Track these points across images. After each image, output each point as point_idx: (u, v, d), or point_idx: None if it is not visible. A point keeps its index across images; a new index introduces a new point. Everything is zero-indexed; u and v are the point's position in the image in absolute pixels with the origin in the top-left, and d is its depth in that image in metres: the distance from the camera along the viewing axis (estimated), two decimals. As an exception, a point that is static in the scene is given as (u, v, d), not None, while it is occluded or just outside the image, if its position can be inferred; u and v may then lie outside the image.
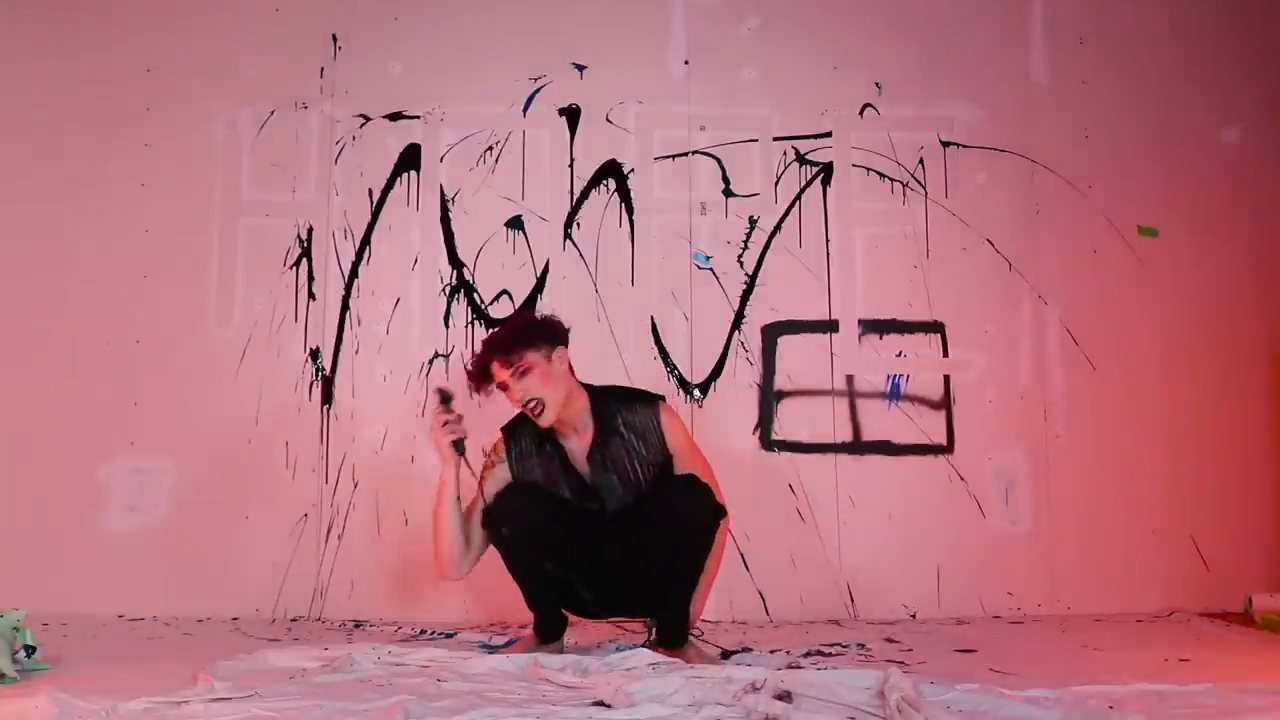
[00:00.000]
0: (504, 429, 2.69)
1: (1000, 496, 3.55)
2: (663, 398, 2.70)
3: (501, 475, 2.63)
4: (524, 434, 2.64)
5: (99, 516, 3.44)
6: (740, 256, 3.62)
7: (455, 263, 3.60)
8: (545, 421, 2.55)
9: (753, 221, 3.64)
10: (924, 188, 3.67)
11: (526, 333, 2.57)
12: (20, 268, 3.54)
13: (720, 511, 2.55)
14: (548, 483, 2.62)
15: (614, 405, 2.63)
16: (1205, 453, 3.58)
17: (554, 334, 2.59)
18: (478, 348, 2.63)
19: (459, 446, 2.54)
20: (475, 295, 3.59)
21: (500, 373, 2.53)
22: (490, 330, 2.65)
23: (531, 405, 2.54)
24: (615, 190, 3.64)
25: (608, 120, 3.66)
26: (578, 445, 2.62)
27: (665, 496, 2.53)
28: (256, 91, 3.63)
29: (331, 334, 3.55)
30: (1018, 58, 3.74)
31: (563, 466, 2.62)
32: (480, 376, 2.56)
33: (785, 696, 2.03)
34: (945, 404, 3.59)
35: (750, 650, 2.76)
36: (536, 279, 3.60)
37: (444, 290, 3.59)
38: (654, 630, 2.61)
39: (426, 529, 3.42)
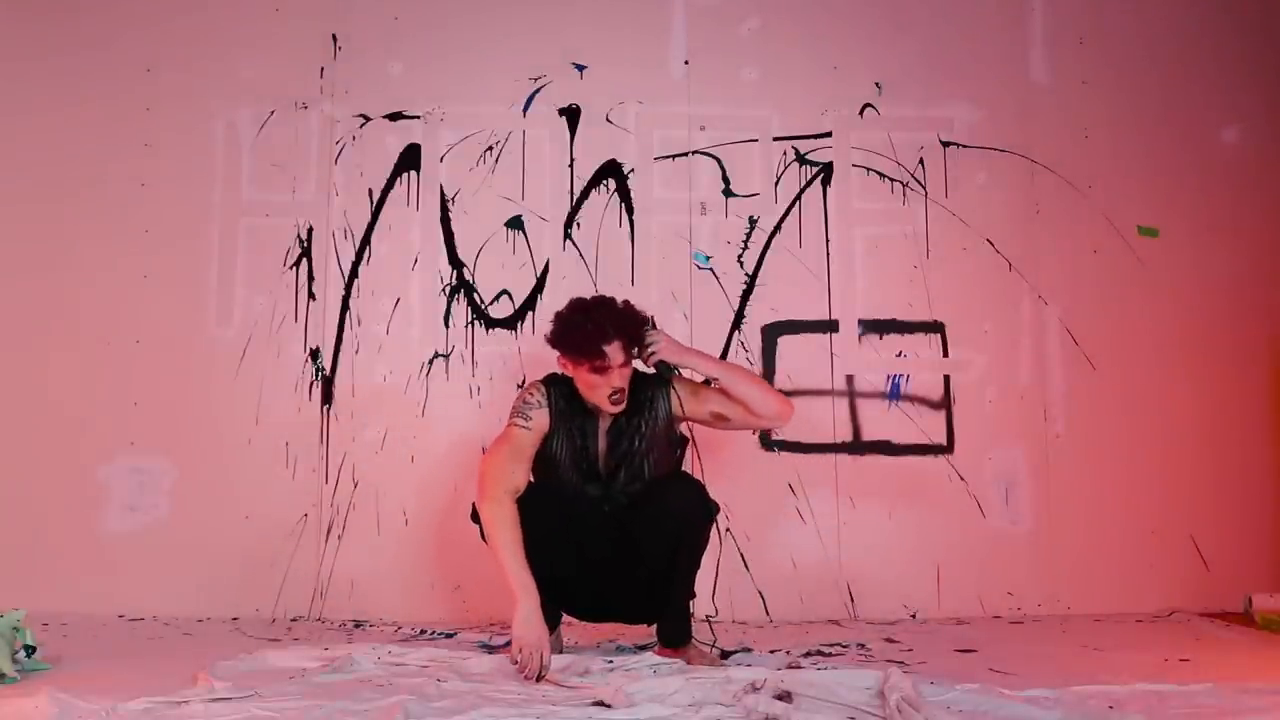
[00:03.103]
0: (544, 381, 2.67)
1: (1000, 496, 3.55)
2: (675, 373, 2.71)
3: (540, 421, 2.60)
4: (564, 395, 2.63)
5: (99, 516, 3.43)
6: (740, 256, 3.62)
7: (455, 263, 3.60)
8: (620, 409, 2.58)
9: (753, 221, 3.64)
10: (924, 188, 3.67)
11: (645, 322, 2.59)
12: (20, 268, 3.54)
13: (713, 508, 2.57)
14: (570, 451, 2.61)
15: (636, 382, 2.64)
16: (1205, 453, 3.58)
17: (650, 323, 2.63)
18: (581, 318, 2.55)
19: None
20: (475, 295, 3.59)
21: (616, 357, 2.52)
22: (593, 307, 2.57)
23: (618, 395, 2.55)
24: (615, 190, 3.64)
25: (608, 120, 3.66)
26: (605, 419, 2.64)
27: (658, 496, 2.54)
28: (256, 91, 3.63)
29: (331, 334, 3.55)
30: (1018, 58, 3.74)
31: (584, 440, 2.62)
32: (592, 353, 2.50)
33: (785, 696, 2.04)
34: (945, 404, 3.59)
35: (750, 650, 2.77)
36: (536, 279, 3.60)
37: (444, 290, 3.59)
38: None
39: (426, 528, 3.44)
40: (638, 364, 2.64)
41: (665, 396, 2.67)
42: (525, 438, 2.59)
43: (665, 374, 2.65)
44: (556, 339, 2.59)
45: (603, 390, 2.54)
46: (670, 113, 3.66)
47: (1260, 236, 3.70)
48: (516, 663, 2.33)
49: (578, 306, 2.61)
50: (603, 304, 2.59)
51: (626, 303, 2.61)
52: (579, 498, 2.61)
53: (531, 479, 2.61)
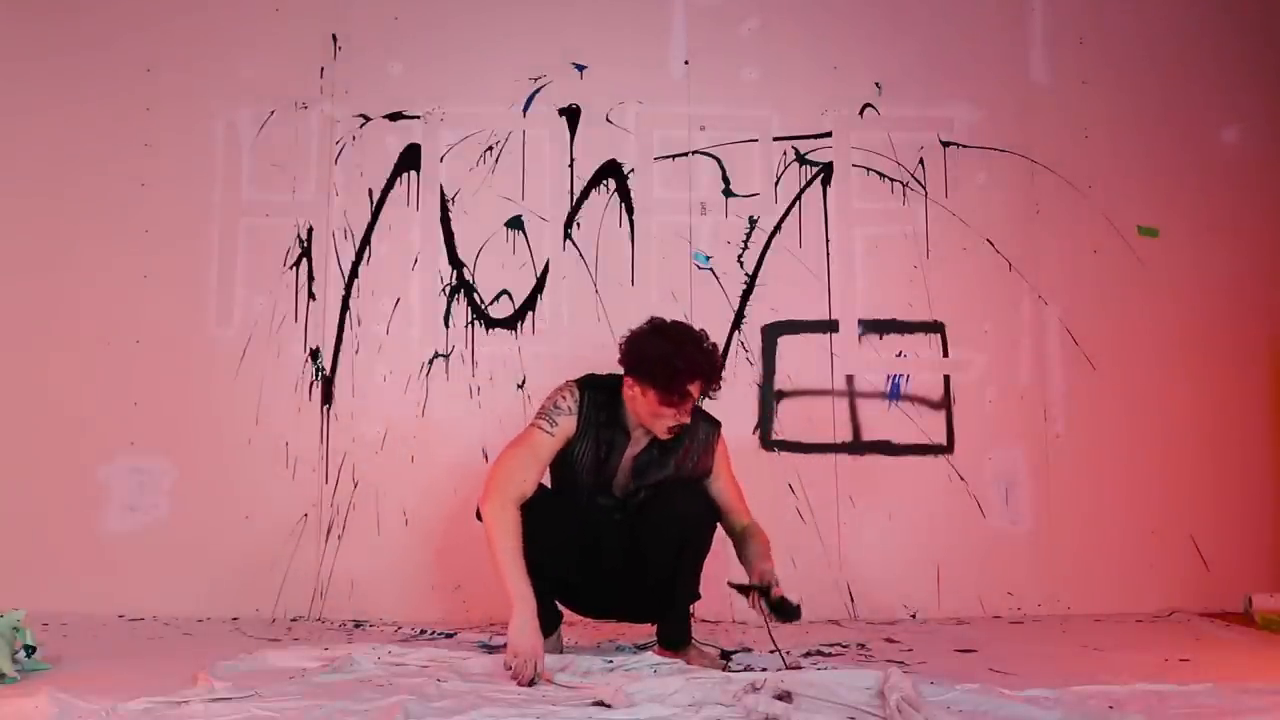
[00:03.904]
0: (580, 384, 2.60)
1: (1000, 496, 3.55)
2: (720, 424, 2.70)
3: (566, 427, 2.55)
4: (600, 403, 2.57)
5: (99, 516, 3.43)
6: (740, 256, 3.62)
7: (455, 263, 3.60)
8: (671, 436, 2.54)
9: (753, 221, 3.64)
10: (924, 188, 3.67)
11: (722, 366, 2.56)
12: (21, 267, 3.54)
13: (716, 511, 2.57)
14: (592, 461, 2.57)
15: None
16: (1205, 453, 3.59)
17: None
18: (675, 352, 2.48)
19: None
20: (475, 295, 3.59)
21: (695, 393, 2.49)
22: (687, 342, 2.50)
23: (678, 428, 2.52)
24: (615, 190, 3.64)
25: (608, 120, 3.66)
26: (637, 442, 2.60)
27: (663, 500, 2.54)
28: (256, 91, 3.63)
29: (331, 334, 3.55)
30: (1018, 58, 3.74)
31: (608, 455, 2.58)
32: (680, 392, 2.45)
33: (785, 696, 2.04)
34: (945, 404, 3.59)
35: (750, 650, 2.76)
36: (536, 279, 3.60)
37: (444, 290, 3.59)
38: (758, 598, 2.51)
39: (426, 528, 3.44)
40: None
41: (711, 450, 2.64)
42: (546, 443, 2.54)
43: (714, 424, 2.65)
44: (642, 369, 2.50)
45: (667, 422, 2.50)
46: (670, 113, 3.66)
47: (1260, 236, 3.70)
48: (510, 669, 2.30)
49: (667, 335, 2.53)
50: (689, 338, 2.51)
51: (703, 333, 2.55)
52: (591, 505, 2.60)
53: (546, 481, 2.60)
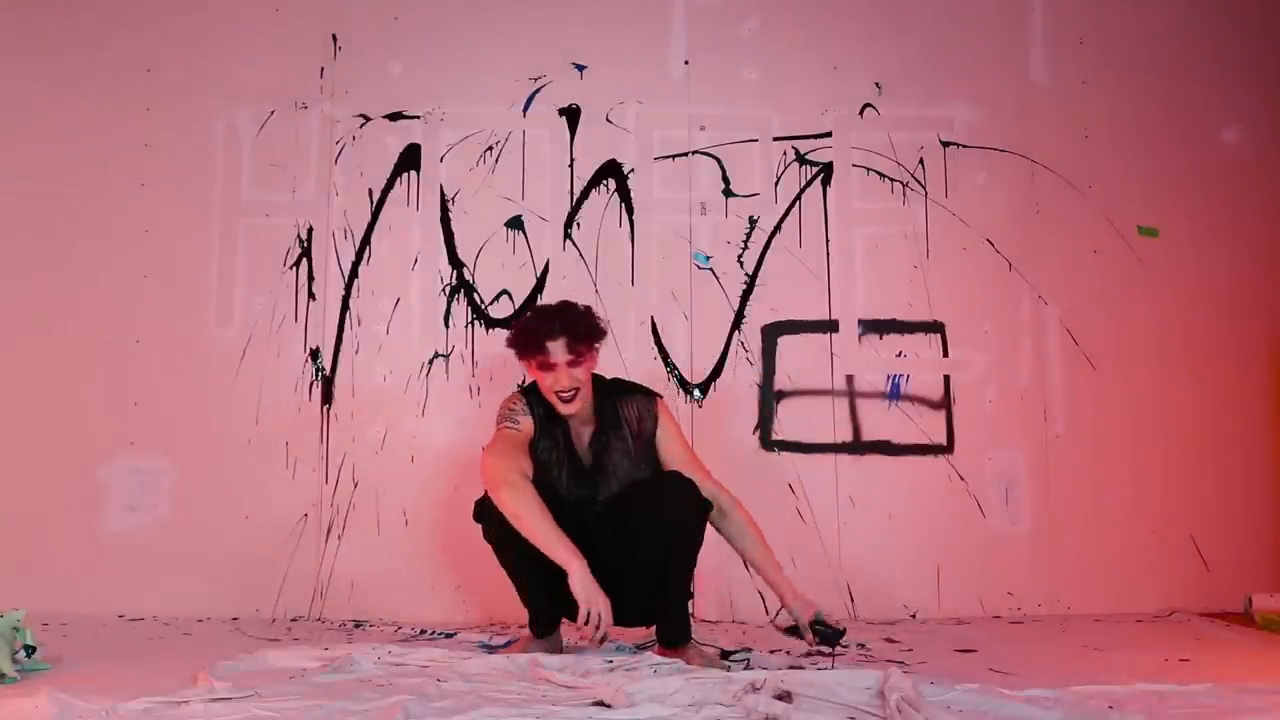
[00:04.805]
0: (521, 390, 2.72)
1: (1000, 496, 3.55)
2: (661, 395, 2.75)
3: (526, 426, 2.63)
4: (541, 402, 2.66)
5: (99, 516, 3.43)
6: (740, 256, 3.62)
7: (455, 263, 3.60)
8: (571, 410, 2.59)
9: (753, 221, 3.64)
10: (924, 188, 3.67)
11: (596, 327, 2.63)
12: (20, 267, 3.54)
13: (707, 505, 2.56)
14: (555, 452, 2.64)
15: (617, 398, 2.69)
16: (1205, 453, 3.59)
17: (604, 332, 2.67)
18: (532, 317, 2.64)
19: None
20: (475, 295, 3.59)
21: (560, 354, 2.55)
22: (547, 308, 2.65)
23: (569, 394, 2.57)
24: (615, 190, 3.64)
25: (608, 120, 3.66)
26: (582, 431, 2.66)
27: (651, 493, 2.54)
28: (256, 91, 3.63)
29: (331, 334, 3.55)
30: (1018, 58, 3.74)
31: (566, 449, 2.65)
32: (535, 348, 2.56)
33: (785, 696, 2.03)
34: (945, 404, 3.59)
35: (750, 650, 2.76)
36: (536, 279, 3.60)
37: (444, 290, 3.59)
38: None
39: (426, 528, 3.44)
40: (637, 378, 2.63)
41: (651, 416, 2.68)
42: (519, 438, 2.61)
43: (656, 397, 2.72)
44: (510, 338, 2.65)
45: (550, 387, 2.57)
46: (670, 113, 3.66)
47: (1260, 236, 3.70)
48: (585, 625, 2.33)
49: (535, 308, 2.72)
50: (562, 306, 2.64)
51: (588, 308, 2.65)
52: (568, 500, 2.60)
53: None
